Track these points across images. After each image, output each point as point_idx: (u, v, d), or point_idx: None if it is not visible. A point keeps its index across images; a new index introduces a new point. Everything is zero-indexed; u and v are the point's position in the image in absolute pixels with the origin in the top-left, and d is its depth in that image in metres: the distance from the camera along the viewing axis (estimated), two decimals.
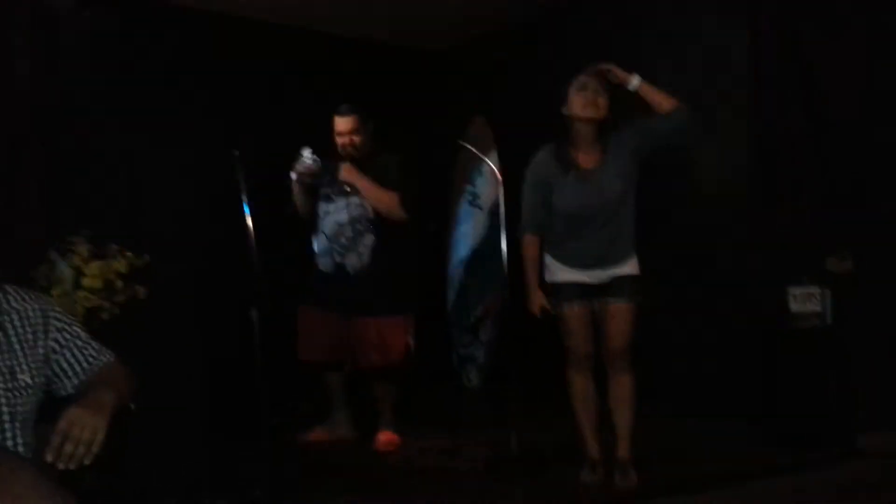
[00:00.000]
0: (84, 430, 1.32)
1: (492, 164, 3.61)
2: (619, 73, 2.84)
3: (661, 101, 2.79)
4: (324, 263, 3.47)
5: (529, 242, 2.91)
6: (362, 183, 3.39)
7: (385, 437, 3.43)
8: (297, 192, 3.46)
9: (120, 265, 2.89)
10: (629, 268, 2.85)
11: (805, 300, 3.29)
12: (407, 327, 3.46)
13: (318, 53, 4.59)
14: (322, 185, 3.47)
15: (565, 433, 3.45)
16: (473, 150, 3.64)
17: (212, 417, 3.39)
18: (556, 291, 2.87)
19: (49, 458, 1.29)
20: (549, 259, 2.91)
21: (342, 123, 3.44)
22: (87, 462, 1.33)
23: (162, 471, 2.53)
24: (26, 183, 3.38)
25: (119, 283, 2.85)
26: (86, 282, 2.79)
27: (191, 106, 3.97)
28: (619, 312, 2.81)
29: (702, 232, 3.87)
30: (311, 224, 3.55)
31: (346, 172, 3.42)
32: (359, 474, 2.96)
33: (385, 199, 3.39)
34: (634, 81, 2.83)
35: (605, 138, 2.83)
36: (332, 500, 2.53)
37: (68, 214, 3.29)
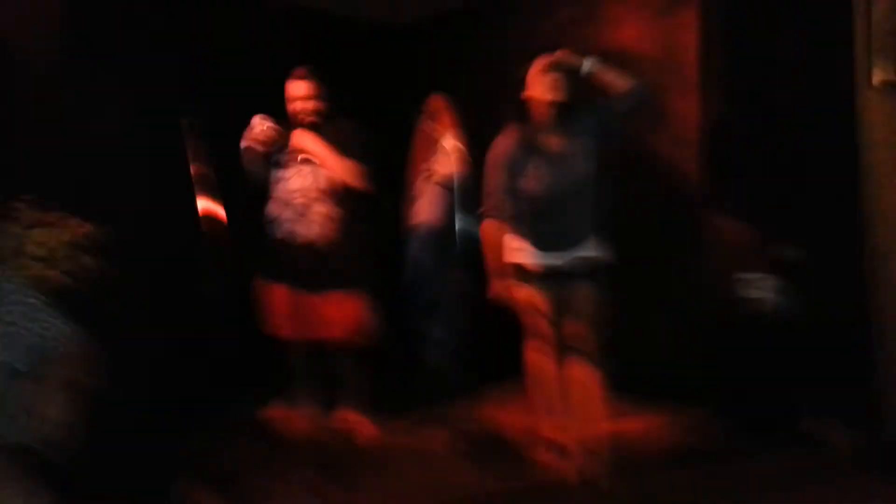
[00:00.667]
0: (49, 408, 1.28)
1: (451, 141, 3.58)
2: (570, 59, 2.83)
3: (617, 80, 2.80)
4: (273, 231, 3.38)
5: (492, 228, 2.92)
6: (317, 151, 3.30)
7: (347, 416, 3.40)
8: (247, 161, 3.35)
9: (65, 233, 2.74)
10: (592, 250, 2.88)
11: (754, 286, 3.39)
12: (359, 302, 3.40)
13: (279, 24, 4.45)
14: (275, 152, 3.38)
15: (527, 413, 3.54)
16: (432, 125, 3.59)
17: (169, 392, 3.29)
18: (519, 272, 2.89)
19: (16, 435, 1.23)
20: (512, 240, 2.94)
21: (296, 88, 3.34)
22: (52, 439, 1.29)
23: (119, 448, 2.44)
24: None
25: (65, 253, 2.71)
26: (28, 249, 2.63)
27: (145, 70, 3.80)
28: (582, 295, 2.83)
29: (653, 222, 3.94)
30: (263, 193, 3.44)
31: (298, 139, 3.31)
32: (320, 452, 2.93)
33: (342, 168, 3.30)
34: (587, 65, 2.82)
35: (568, 121, 2.88)
36: (292, 477, 2.48)
37: (10, 179, 3.11)
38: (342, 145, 3.33)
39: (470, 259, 3.12)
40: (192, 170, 2.79)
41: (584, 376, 2.83)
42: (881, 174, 3.17)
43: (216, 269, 2.67)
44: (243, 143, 3.29)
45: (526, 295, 2.89)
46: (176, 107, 2.92)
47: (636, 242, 3.93)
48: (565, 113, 2.87)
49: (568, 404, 2.86)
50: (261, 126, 3.25)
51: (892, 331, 3.13)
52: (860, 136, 3.34)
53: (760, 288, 3.38)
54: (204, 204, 2.67)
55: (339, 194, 3.35)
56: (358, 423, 3.39)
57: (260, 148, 3.29)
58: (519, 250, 2.91)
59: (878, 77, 3.30)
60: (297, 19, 4.57)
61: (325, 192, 3.34)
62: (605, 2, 4.16)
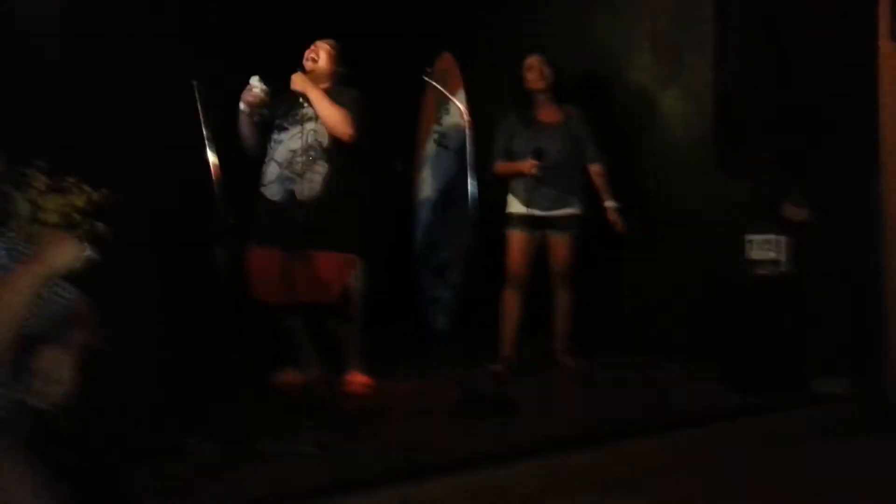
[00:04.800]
0: (62, 370, 1.32)
1: (458, 104, 3.55)
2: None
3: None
4: (272, 192, 3.33)
5: (500, 163, 3.65)
6: (314, 92, 3.28)
7: (353, 378, 3.39)
8: (244, 124, 3.32)
9: (78, 199, 2.78)
10: (574, 208, 3.64)
11: (763, 247, 3.38)
12: (349, 266, 3.33)
13: None
14: (275, 115, 3.35)
15: (532, 376, 3.59)
16: (440, 88, 3.56)
17: (179, 358, 3.35)
18: (507, 219, 3.64)
19: (30, 399, 1.28)
20: (508, 196, 3.65)
21: (314, 49, 3.38)
22: (64, 402, 1.33)
23: (131, 410, 2.50)
24: None
25: (78, 218, 2.74)
26: (43, 216, 2.68)
27: (150, 32, 3.79)
28: (561, 243, 3.63)
29: (664, 178, 3.93)
30: (260, 156, 3.41)
31: (298, 81, 3.31)
32: (329, 414, 2.98)
33: (333, 113, 3.26)
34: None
35: (561, 103, 3.68)
36: (302, 439, 2.54)
37: (22, 145, 3.13)
38: (339, 101, 3.31)
39: (480, 222, 3.13)
40: (205, 132, 2.79)
41: (565, 306, 3.75)
42: None
43: (229, 232, 2.69)
44: (241, 106, 3.27)
45: (509, 238, 3.63)
46: (186, 68, 2.90)
47: (648, 201, 3.94)
48: (558, 94, 3.66)
49: (551, 328, 3.79)
50: (257, 88, 3.23)
51: None
52: (879, 91, 3.30)
53: (771, 248, 3.37)
54: (216, 167, 2.68)
55: (339, 155, 3.32)
56: (360, 383, 3.39)
57: (257, 110, 3.28)
58: (511, 201, 3.66)
59: None
60: None
61: (325, 150, 3.30)
62: None
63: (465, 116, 3.25)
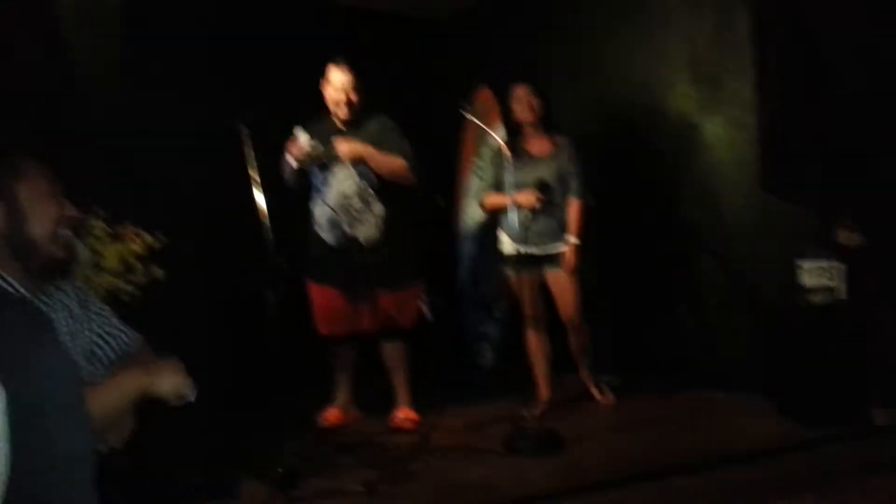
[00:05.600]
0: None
1: (497, 138, 3.57)
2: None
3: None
4: (331, 237, 3.34)
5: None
6: (366, 153, 3.26)
7: (403, 414, 3.41)
8: (289, 173, 3.34)
9: (136, 245, 2.87)
10: (567, 244, 3.46)
11: (817, 274, 3.30)
12: (419, 295, 3.46)
13: (321, 23, 4.50)
14: (317, 161, 3.34)
15: (579, 412, 3.55)
16: (477, 121, 3.59)
17: (231, 397, 3.41)
18: (503, 259, 3.54)
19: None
20: (500, 234, 3.54)
21: (339, 75, 3.28)
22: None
23: (184, 450, 2.56)
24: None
25: (137, 265, 2.84)
26: (104, 264, 2.77)
27: (194, 77, 3.91)
28: (562, 282, 3.50)
29: (711, 206, 3.87)
30: (307, 195, 3.44)
31: (343, 148, 3.25)
32: (376, 452, 2.99)
33: (393, 166, 3.27)
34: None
35: (552, 133, 3.56)
36: (349, 478, 2.56)
37: (78, 193, 3.26)
38: (385, 141, 3.31)
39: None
40: (252, 174, 2.87)
41: (579, 341, 3.63)
42: None
43: (278, 273, 2.75)
44: (288, 159, 3.28)
45: (513, 282, 3.53)
46: (231, 111, 3.00)
47: (696, 229, 3.89)
48: (548, 124, 3.56)
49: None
50: (302, 140, 3.24)
51: None
52: None
53: (825, 275, 3.29)
54: (262, 208, 2.76)
55: (390, 192, 3.35)
56: (408, 419, 3.40)
57: (305, 162, 3.29)
58: (505, 242, 3.56)
59: None
60: (340, 16, 4.60)
61: (378, 191, 3.33)
62: None
63: (504, 150, 3.28)
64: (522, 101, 3.50)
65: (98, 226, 2.89)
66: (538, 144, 3.54)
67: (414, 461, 2.84)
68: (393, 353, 3.46)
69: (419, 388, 3.54)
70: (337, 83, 3.31)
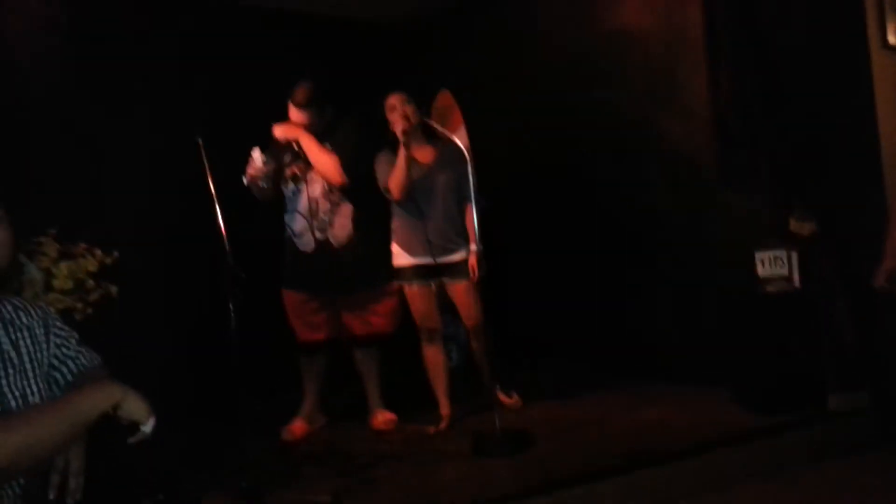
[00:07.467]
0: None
1: (458, 142, 3.57)
2: None
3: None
4: (303, 243, 3.38)
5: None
6: (302, 137, 3.28)
7: (382, 416, 3.47)
8: (257, 190, 3.34)
9: (90, 264, 2.84)
10: (466, 252, 3.33)
11: (771, 264, 3.36)
12: (394, 293, 3.47)
13: (281, 32, 4.48)
14: (282, 166, 3.36)
15: (546, 411, 3.56)
16: (438, 127, 3.58)
17: (193, 410, 3.38)
18: (396, 273, 3.38)
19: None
20: (393, 247, 3.39)
21: (296, 116, 3.32)
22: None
23: (144, 465, 2.53)
24: None
25: (90, 283, 2.80)
26: (56, 283, 2.73)
27: (148, 90, 3.87)
28: (462, 291, 3.36)
29: (667, 199, 3.92)
30: (278, 204, 3.46)
31: (279, 130, 3.30)
32: (344, 461, 2.98)
33: (322, 159, 3.27)
34: None
35: (436, 139, 3.40)
36: (316, 488, 2.55)
37: (31, 212, 3.20)
38: (335, 139, 3.32)
39: (489, 257, 3.17)
40: (210, 187, 2.85)
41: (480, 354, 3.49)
42: None
43: (236, 282, 2.73)
44: (245, 180, 3.28)
45: (406, 293, 3.40)
46: (187, 124, 2.98)
47: (654, 224, 3.94)
48: (429, 130, 3.39)
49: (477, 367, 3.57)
50: (258, 161, 3.24)
51: None
52: (875, 100, 3.29)
53: (778, 265, 3.35)
54: (219, 219, 2.74)
55: (358, 191, 3.36)
56: (386, 420, 3.45)
57: (261, 183, 3.29)
58: (398, 253, 3.40)
59: (893, 37, 3.24)
60: (304, 27, 4.59)
61: (343, 191, 3.34)
62: None
63: (467, 154, 3.30)
64: (397, 111, 3.30)
65: (51, 246, 2.85)
66: (422, 151, 3.39)
67: (381, 468, 2.84)
68: (365, 358, 3.50)
69: (388, 392, 3.55)
70: (295, 121, 3.35)
